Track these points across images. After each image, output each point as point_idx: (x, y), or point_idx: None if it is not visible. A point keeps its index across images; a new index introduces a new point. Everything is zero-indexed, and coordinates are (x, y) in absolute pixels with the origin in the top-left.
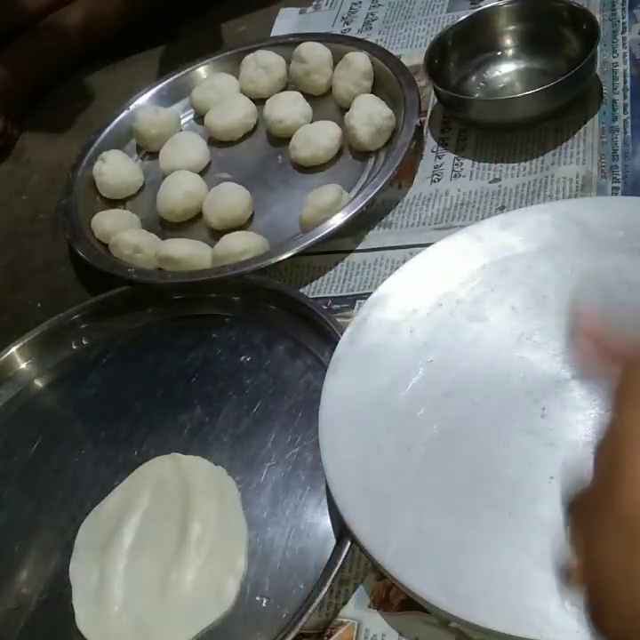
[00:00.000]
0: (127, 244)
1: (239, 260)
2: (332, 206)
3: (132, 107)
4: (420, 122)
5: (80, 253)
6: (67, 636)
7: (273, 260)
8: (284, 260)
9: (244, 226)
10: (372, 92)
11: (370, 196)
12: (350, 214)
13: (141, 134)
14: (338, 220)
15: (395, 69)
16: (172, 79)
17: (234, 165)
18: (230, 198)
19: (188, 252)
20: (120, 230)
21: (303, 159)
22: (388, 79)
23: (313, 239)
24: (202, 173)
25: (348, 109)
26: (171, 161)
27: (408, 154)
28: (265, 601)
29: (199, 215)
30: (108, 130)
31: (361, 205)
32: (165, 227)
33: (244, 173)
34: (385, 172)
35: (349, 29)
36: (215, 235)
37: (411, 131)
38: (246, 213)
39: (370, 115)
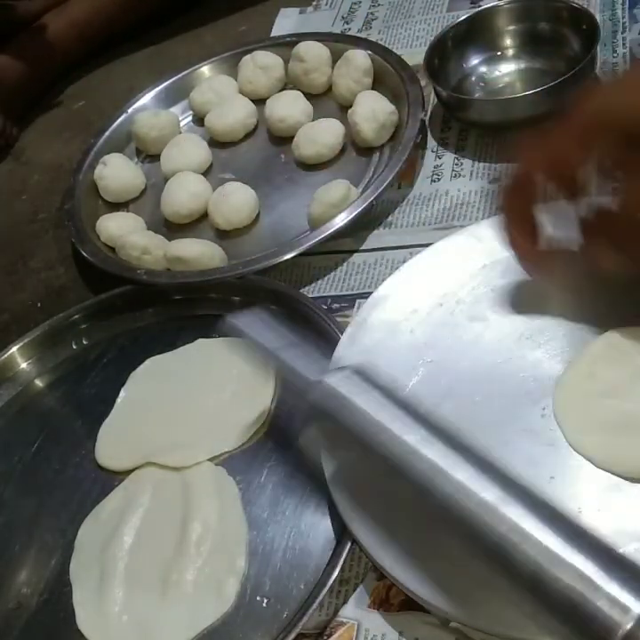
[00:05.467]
0: (135, 245)
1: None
2: (341, 202)
3: (130, 110)
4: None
5: (88, 257)
6: (67, 636)
7: (275, 261)
8: (285, 260)
9: (250, 225)
10: (372, 89)
11: (380, 190)
12: (361, 208)
13: (141, 137)
14: (347, 215)
15: (395, 65)
16: (170, 81)
17: (237, 165)
18: (236, 198)
19: (199, 252)
20: (126, 233)
21: (307, 157)
22: (389, 75)
23: (315, 239)
24: (205, 174)
25: (348, 107)
26: (173, 162)
27: (414, 148)
28: (265, 601)
29: (204, 216)
30: (107, 133)
31: (371, 199)
32: (170, 228)
33: (247, 173)
34: (392, 166)
35: (349, 29)
36: (221, 235)
37: (416, 124)
38: (253, 212)
39: (373, 110)
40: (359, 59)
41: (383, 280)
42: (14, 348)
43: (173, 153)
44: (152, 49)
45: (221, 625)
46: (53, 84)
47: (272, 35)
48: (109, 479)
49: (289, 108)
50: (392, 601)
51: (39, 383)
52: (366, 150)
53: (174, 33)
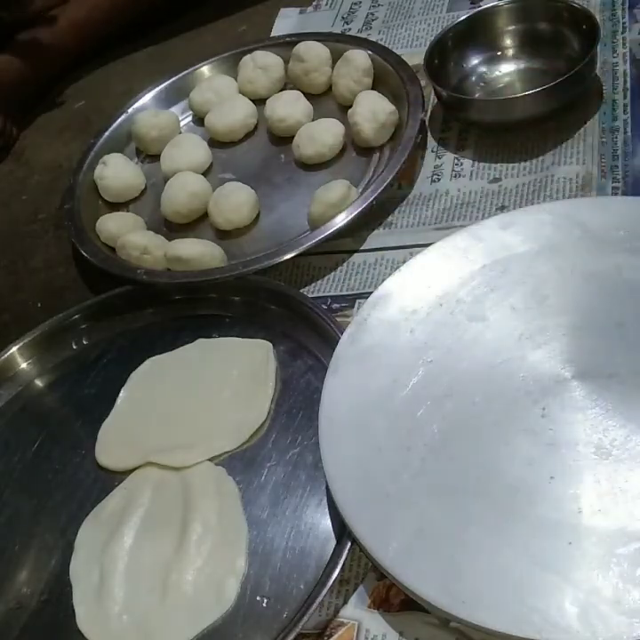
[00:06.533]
0: (135, 245)
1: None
2: (340, 202)
3: (130, 110)
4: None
5: (88, 257)
6: (67, 636)
7: (275, 261)
8: (285, 260)
9: (250, 225)
10: (372, 89)
11: (380, 190)
12: (361, 208)
13: (141, 137)
14: (347, 215)
15: (396, 66)
16: (170, 81)
17: (237, 165)
18: (236, 198)
19: (199, 252)
20: (126, 233)
21: (307, 157)
22: (389, 75)
23: (316, 239)
24: (205, 174)
25: (348, 107)
26: (173, 162)
27: (414, 148)
28: (265, 601)
29: (204, 216)
30: (107, 133)
31: (371, 199)
32: (171, 228)
33: (247, 173)
34: (392, 166)
35: (349, 29)
36: (221, 235)
37: (416, 125)
38: (252, 213)
39: (373, 111)
40: (359, 59)
41: (383, 280)
42: (14, 348)
43: (173, 153)
44: (152, 49)
45: (221, 625)
46: (53, 84)
47: (272, 35)
48: (109, 479)
49: (289, 108)
50: (392, 601)
51: (39, 383)
52: (366, 150)
53: (174, 33)
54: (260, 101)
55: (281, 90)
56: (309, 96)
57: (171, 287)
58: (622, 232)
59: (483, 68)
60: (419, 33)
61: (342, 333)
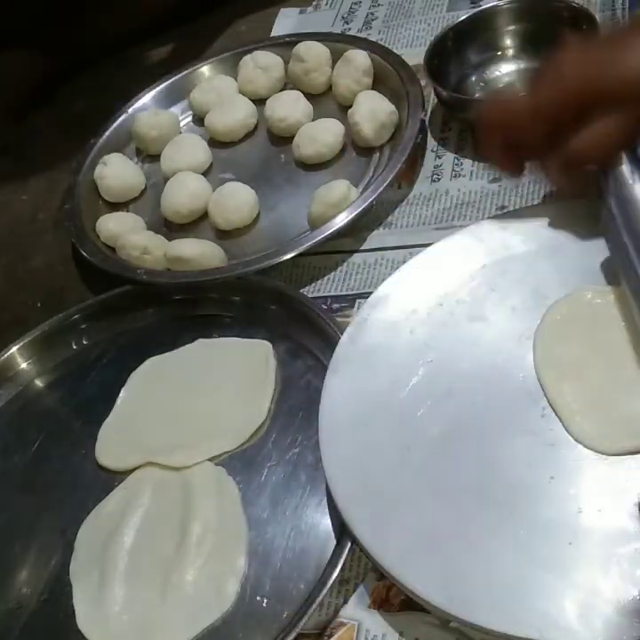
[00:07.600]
0: (135, 245)
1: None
2: (340, 201)
3: (130, 110)
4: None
5: (88, 257)
6: (67, 636)
7: (275, 261)
8: (285, 260)
9: (250, 225)
10: (372, 89)
11: (379, 190)
12: (361, 208)
13: (141, 137)
14: (347, 215)
15: (395, 65)
16: (170, 81)
17: (237, 165)
18: (236, 198)
19: (198, 252)
20: (126, 233)
21: (307, 157)
22: (389, 75)
23: (315, 239)
24: (205, 174)
25: (348, 107)
26: (173, 162)
27: (414, 148)
28: (265, 601)
29: (204, 216)
30: (107, 133)
31: (371, 199)
32: (171, 228)
33: (247, 173)
34: (392, 166)
35: (349, 29)
36: (221, 235)
37: (416, 124)
38: (252, 213)
39: (373, 110)
40: (359, 59)
41: (383, 280)
42: (14, 348)
43: (173, 153)
44: (152, 50)
45: (221, 625)
46: (54, 84)
47: (272, 35)
48: (109, 479)
49: (289, 107)
50: (392, 601)
51: (39, 383)
52: (366, 150)
53: (174, 33)
54: (260, 101)
55: (281, 90)
56: (309, 96)
57: (171, 287)
58: None
59: (483, 68)
60: (419, 33)
61: (342, 333)
